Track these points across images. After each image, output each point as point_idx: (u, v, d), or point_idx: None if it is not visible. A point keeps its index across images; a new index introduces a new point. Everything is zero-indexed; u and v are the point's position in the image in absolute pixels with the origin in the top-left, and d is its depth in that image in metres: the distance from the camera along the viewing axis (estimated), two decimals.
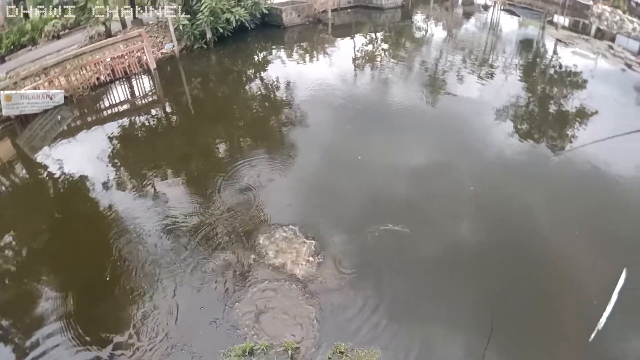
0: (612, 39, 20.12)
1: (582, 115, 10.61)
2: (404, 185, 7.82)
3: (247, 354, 5.00)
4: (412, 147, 9.06)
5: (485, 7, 23.18)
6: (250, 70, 14.49)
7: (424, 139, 9.48)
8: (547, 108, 10.87)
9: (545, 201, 7.49)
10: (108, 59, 13.39)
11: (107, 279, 6.22)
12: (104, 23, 17.00)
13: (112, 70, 13.42)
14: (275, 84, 12.69)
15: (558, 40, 16.94)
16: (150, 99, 12.91)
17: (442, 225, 6.95)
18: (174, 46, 15.28)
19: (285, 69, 13.86)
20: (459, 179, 7.98)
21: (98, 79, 13.11)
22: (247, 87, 13.22)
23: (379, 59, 14.66)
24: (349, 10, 20.91)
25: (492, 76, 12.45)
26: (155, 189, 8.14)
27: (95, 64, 13.07)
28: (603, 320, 5.45)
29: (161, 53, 15.40)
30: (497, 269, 6.17)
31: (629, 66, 15.36)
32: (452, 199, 7.45)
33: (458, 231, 6.86)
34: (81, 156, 9.54)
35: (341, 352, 5.04)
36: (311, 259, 6.27)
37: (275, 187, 7.83)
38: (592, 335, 5.29)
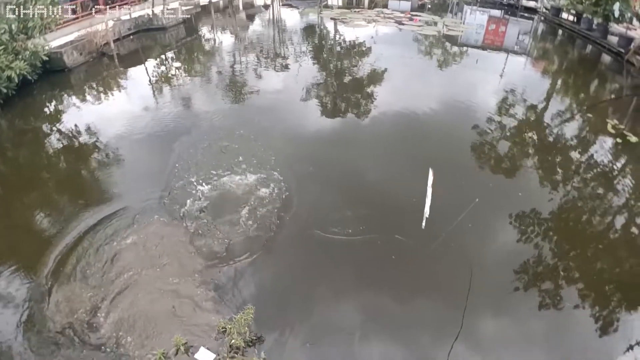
0: (386, 5, 23.69)
1: (376, 76, 12.43)
2: None
3: None
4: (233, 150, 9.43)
5: (266, 6, 24.62)
6: (46, 125, 12.86)
7: (242, 140, 9.84)
8: (344, 80, 12.33)
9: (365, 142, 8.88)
10: None
11: None
12: None
13: None
14: (75, 130, 11.54)
15: (336, 20, 19.06)
16: None
17: None
18: None
19: (81, 113, 12.65)
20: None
21: None
22: (49, 142, 11.72)
23: (175, 78, 14.46)
24: (131, 37, 19.86)
25: (287, 67, 13.44)
26: None
27: None
28: (427, 210, 6.85)
29: None
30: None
31: (401, 23, 18.29)
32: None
33: None
34: None
35: None
36: None
37: None
38: (424, 223, 6.68)
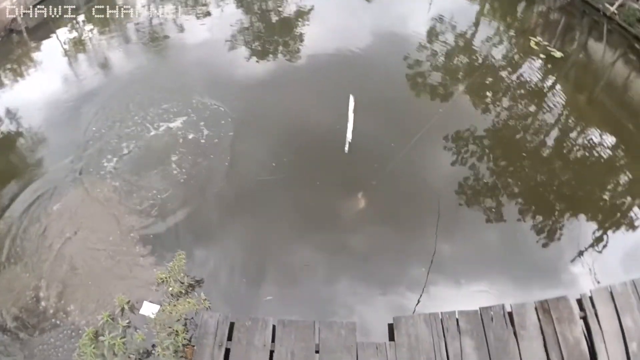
0: None
1: (303, 15, 12.08)
2: None
3: None
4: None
5: None
6: None
7: (168, 91, 9.57)
8: (271, 21, 11.93)
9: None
10: None
11: None
12: None
13: None
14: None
15: None
16: None
17: None
18: None
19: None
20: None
21: None
22: None
23: (90, 42, 13.50)
24: (40, 6, 18.16)
25: (209, 13, 12.77)
26: None
27: None
28: (349, 134, 7.09)
29: None
30: None
31: None
32: None
33: None
34: None
35: None
36: None
37: None
38: (347, 147, 6.95)
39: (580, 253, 7.60)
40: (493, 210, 7.98)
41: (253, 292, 6.25)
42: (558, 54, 11.21)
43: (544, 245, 7.63)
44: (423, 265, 6.68)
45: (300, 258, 6.65)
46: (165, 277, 6.00)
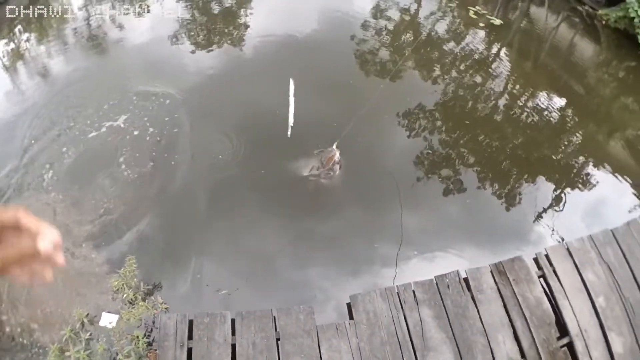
0: None
1: (246, 1, 11.79)
2: None
3: None
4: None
5: None
6: None
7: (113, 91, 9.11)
8: (213, 11, 11.57)
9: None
10: None
11: None
12: None
13: None
14: None
15: None
16: None
17: None
18: None
19: None
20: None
21: None
22: None
23: (25, 50, 12.81)
24: None
25: (148, 10, 12.27)
26: None
27: None
28: (291, 118, 7.02)
29: None
30: None
31: None
32: None
33: None
34: None
35: None
36: None
37: None
38: (289, 132, 6.88)
39: (541, 213, 7.78)
40: (452, 180, 8.05)
41: (211, 288, 6.09)
42: (497, 22, 11.38)
43: (507, 209, 7.78)
44: (391, 242, 6.70)
45: (257, 248, 6.53)
46: (120, 285, 5.91)
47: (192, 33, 10.79)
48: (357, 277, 6.47)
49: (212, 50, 10.07)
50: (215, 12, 11.59)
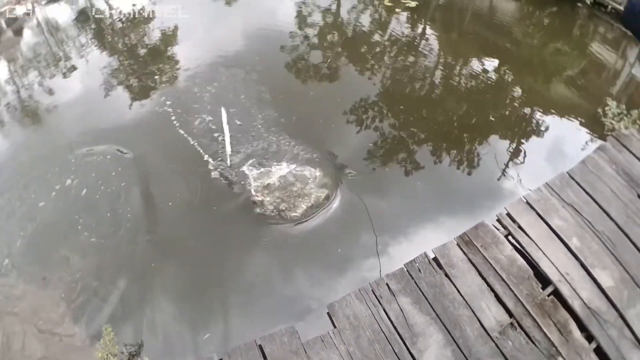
0: None
1: (169, 38, 11.68)
2: None
3: None
4: None
5: (28, 13, 21.28)
6: None
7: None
8: (139, 54, 11.41)
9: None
10: None
11: None
12: None
13: None
14: None
15: None
16: None
17: None
18: None
19: None
20: None
21: None
22: None
23: None
24: None
25: (74, 67, 11.92)
26: None
27: None
28: (228, 147, 7.01)
29: None
30: None
31: None
32: None
33: None
34: None
35: None
36: None
37: None
38: (229, 161, 6.86)
39: (504, 170, 7.94)
40: (408, 161, 8.16)
41: (192, 336, 6.00)
42: (413, 4, 11.65)
43: (469, 174, 7.92)
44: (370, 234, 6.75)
45: (227, 283, 6.47)
46: (104, 355, 5.76)
47: (123, 80, 10.61)
48: (345, 277, 6.46)
49: (146, 92, 9.91)
50: (142, 54, 11.42)
